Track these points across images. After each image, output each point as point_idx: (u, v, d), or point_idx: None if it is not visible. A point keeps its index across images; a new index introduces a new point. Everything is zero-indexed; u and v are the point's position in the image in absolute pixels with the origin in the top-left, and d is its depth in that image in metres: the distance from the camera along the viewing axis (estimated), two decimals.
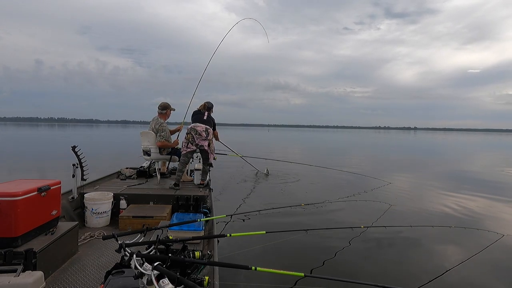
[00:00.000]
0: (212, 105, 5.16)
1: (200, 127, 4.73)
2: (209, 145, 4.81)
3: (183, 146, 4.78)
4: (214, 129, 5.06)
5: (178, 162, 5.02)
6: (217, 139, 5.42)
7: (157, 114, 5.26)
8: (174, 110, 5.49)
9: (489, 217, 6.27)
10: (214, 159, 5.44)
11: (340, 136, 60.67)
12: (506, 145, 38.77)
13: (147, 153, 5.14)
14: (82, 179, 3.89)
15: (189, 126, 4.81)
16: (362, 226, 4.08)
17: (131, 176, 5.32)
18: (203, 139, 4.70)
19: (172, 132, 5.52)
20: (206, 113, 4.98)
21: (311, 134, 69.70)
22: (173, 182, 4.64)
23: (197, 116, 4.93)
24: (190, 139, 4.69)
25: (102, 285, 1.47)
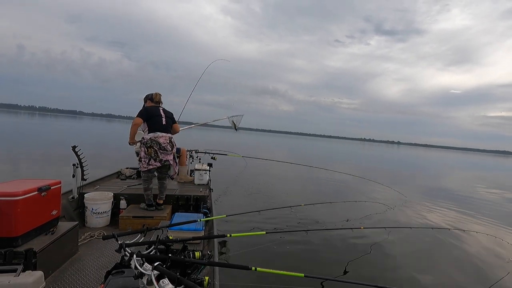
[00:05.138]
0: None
1: (163, 137, 3.79)
2: (174, 157, 4.00)
3: (143, 162, 3.76)
4: (174, 122, 4.10)
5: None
6: (177, 131, 4.24)
7: None
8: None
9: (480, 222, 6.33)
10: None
11: (331, 146, 61.14)
12: (486, 166, 39.64)
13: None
14: (82, 179, 3.89)
15: (148, 136, 3.74)
16: (362, 227, 4.08)
17: (131, 176, 5.31)
18: (168, 153, 3.84)
19: None
20: (162, 112, 3.90)
21: (301, 142, 69.32)
22: (145, 203, 3.89)
23: (155, 119, 3.80)
24: (153, 155, 3.72)
25: (102, 285, 1.47)
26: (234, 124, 7.40)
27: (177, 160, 4.21)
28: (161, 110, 3.91)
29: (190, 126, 6.53)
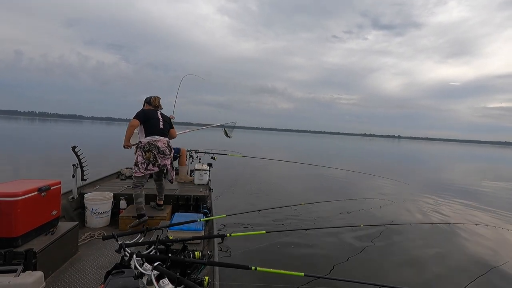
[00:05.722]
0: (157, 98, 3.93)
1: (162, 141, 3.65)
2: (171, 162, 3.91)
3: (140, 167, 3.57)
4: (171, 127, 3.98)
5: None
6: (174, 137, 4.10)
7: None
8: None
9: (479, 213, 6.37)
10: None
11: (332, 142, 60.88)
12: (487, 157, 39.89)
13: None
14: (82, 179, 3.89)
15: (146, 140, 3.59)
16: (361, 225, 4.09)
17: (131, 176, 5.31)
18: (166, 158, 3.72)
19: None
20: (160, 116, 3.79)
21: (301, 139, 68.93)
22: (137, 217, 3.55)
23: (152, 122, 3.67)
24: (152, 159, 3.57)
25: (102, 285, 1.47)
26: (226, 132, 7.46)
27: (174, 164, 4.11)
28: (158, 114, 3.79)
29: (184, 131, 6.55)
